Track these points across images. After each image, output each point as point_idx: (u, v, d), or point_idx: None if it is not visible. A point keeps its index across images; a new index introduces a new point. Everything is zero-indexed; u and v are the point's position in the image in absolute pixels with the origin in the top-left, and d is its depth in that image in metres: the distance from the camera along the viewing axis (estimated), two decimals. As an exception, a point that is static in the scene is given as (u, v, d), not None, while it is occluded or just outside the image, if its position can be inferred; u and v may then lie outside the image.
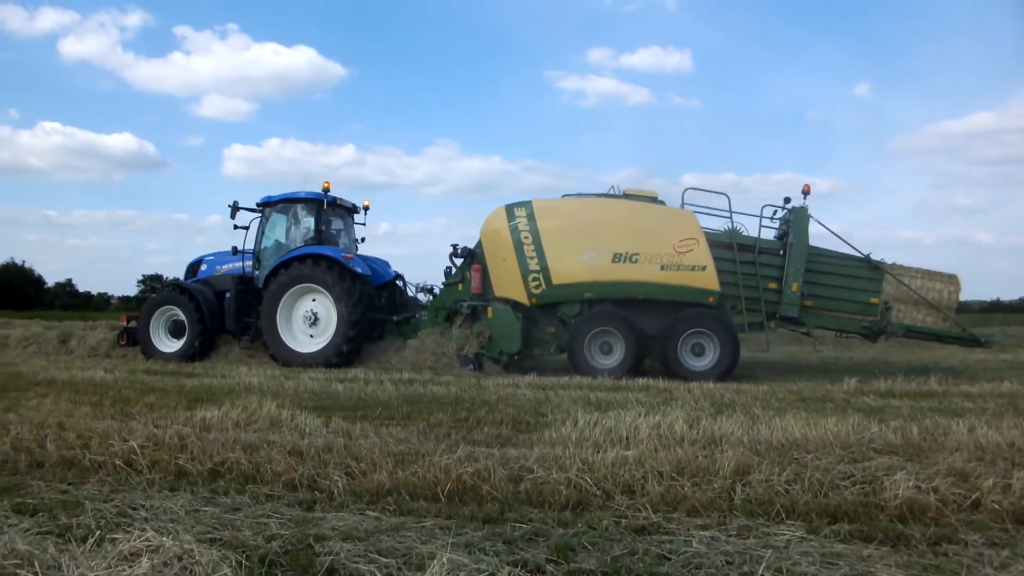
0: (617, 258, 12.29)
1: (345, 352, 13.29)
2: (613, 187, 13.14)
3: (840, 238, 12.75)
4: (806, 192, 12.47)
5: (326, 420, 6.48)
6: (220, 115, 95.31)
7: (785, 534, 3.69)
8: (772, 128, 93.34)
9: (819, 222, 12.48)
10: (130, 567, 2.48)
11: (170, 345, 14.67)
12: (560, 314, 12.80)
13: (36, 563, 2.51)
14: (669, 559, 3.36)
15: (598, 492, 4.35)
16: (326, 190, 14.21)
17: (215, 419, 6.42)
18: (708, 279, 12.11)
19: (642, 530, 3.81)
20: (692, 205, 12.63)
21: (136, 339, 15.06)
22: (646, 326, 12.44)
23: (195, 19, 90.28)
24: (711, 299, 12.19)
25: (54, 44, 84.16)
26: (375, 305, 14.17)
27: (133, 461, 5.00)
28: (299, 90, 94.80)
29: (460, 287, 13.53)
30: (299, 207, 14.50)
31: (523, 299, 12.68)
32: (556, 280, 12.48)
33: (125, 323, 15.92)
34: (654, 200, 12.97)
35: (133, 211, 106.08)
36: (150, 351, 14.62)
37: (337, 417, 6.63)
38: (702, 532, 3.72)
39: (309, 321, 13.75)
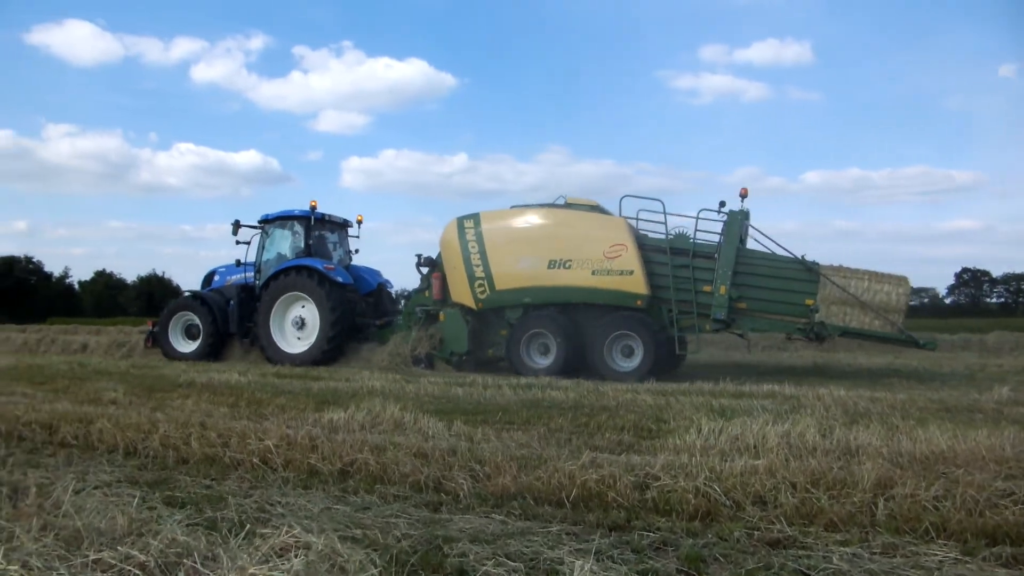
0: (552, 264, 13.02)
1: (326, 352, 14.60)
2: (561, 196, 13.79)
3: (774, 241, 12.78)
4: (743, 196, 12.63)
5: (448, 423, 6.58)
6: (337, 129, 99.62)
7: (936, 554, 3.43)
8: (903, 119, 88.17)
9: (753, 226, 12.81)
10: (280, 561, 2.58)
11: (186, 346, 16.29)
12: (506, 317, 13.60)
13: (195, 554, 2.66)
14: (808, 575, 3.19)
15: (727, 502, 4.20)
16: (313, 208, 15.75)
17: (342, 421, 6.66)
18: (635, 283, 12.57)
19: (777, 543, 3.64)
20: (647, 211, 13.13)
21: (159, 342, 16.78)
22: (581, 328, 13.03)
23: (312, 39, 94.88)
24: (639, 302, 12.62)
25: (187, 71, 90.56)
26: (359, 310, 15.68)
27: (269, 459, 5.25)
28: (412, 101, 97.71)
29: (426, 294, 14.58)
30: (293, 223, 15.99)
31: (471, 304, 13.61)
32: (499, 286, 13.37)
33: (151, 327, 17.40)
34: (595, 208, 13.54)
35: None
36: (169, 351, 16.27)
37: (458, 420, 6.71)
38: (843, 548, 3.52)
39: (297, 325, 15.25)
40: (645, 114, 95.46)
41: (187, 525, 3.38)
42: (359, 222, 17.32)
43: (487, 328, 13.92)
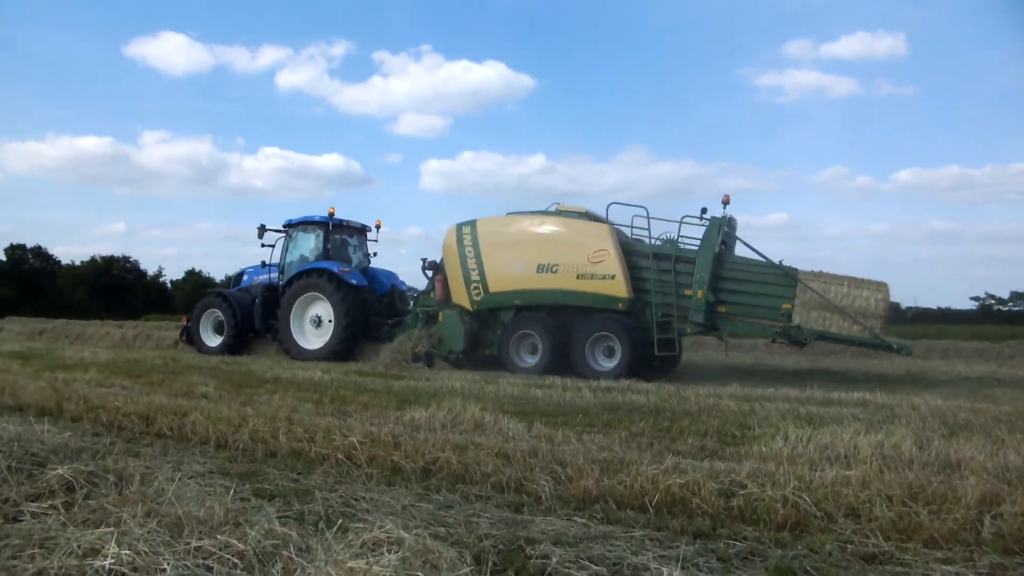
0: (541, 269, 13.82)
1: (339, 349, 15.64)
2: (553, 204, 14.64)
3: (751, 248, 13.11)
4: (725, 202, 13.15)
5: (528, 425, 6.57)
6: (416, 132, 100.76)
7: (1050, 577, 3.22)
8: (1008, 112, 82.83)
9: (737, 236, 13.34)
10: (373, 556, 2.62)
11: (214, 340, 17.78)
12: (500, 318, 14.51)
13: (291, 545, 2.74)
14: (909, 593, 3.04)
15: (818, 513, 4.05)
16: (331, 214, 16.96)
17: (423, 419, 6.74)
18: (617, 287, 13.19)
19: (872, 558, 3.49)
20: (639, 218, 13.76)
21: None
22: (566, 329, 13.67)
23: (391, 44, 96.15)
24: (620, 305, 13.20)
25: (272, 77, 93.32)
26: (373, 310, 16.71)
27: (353, 456, 5.35)
28: (490, 103, 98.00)
29: (431, 295, 15.46)
30: (314, 228, 17.21)
31: (468, 305, 14.51)
32: (492, 289, 14.27)
33: (186, 323, 18.84)
34: (584, 215, 14.25)
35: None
36: (199, 345, 17.84)
37: (538, 422, 6.70)
38: (944, 567, 3.34)
39: (315, 323, 16.45)
40: (727, 113, 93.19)
41: (277, 517, 3.46)
42: (377, 227, 18.46)
43: (484, 328, 14.75)
